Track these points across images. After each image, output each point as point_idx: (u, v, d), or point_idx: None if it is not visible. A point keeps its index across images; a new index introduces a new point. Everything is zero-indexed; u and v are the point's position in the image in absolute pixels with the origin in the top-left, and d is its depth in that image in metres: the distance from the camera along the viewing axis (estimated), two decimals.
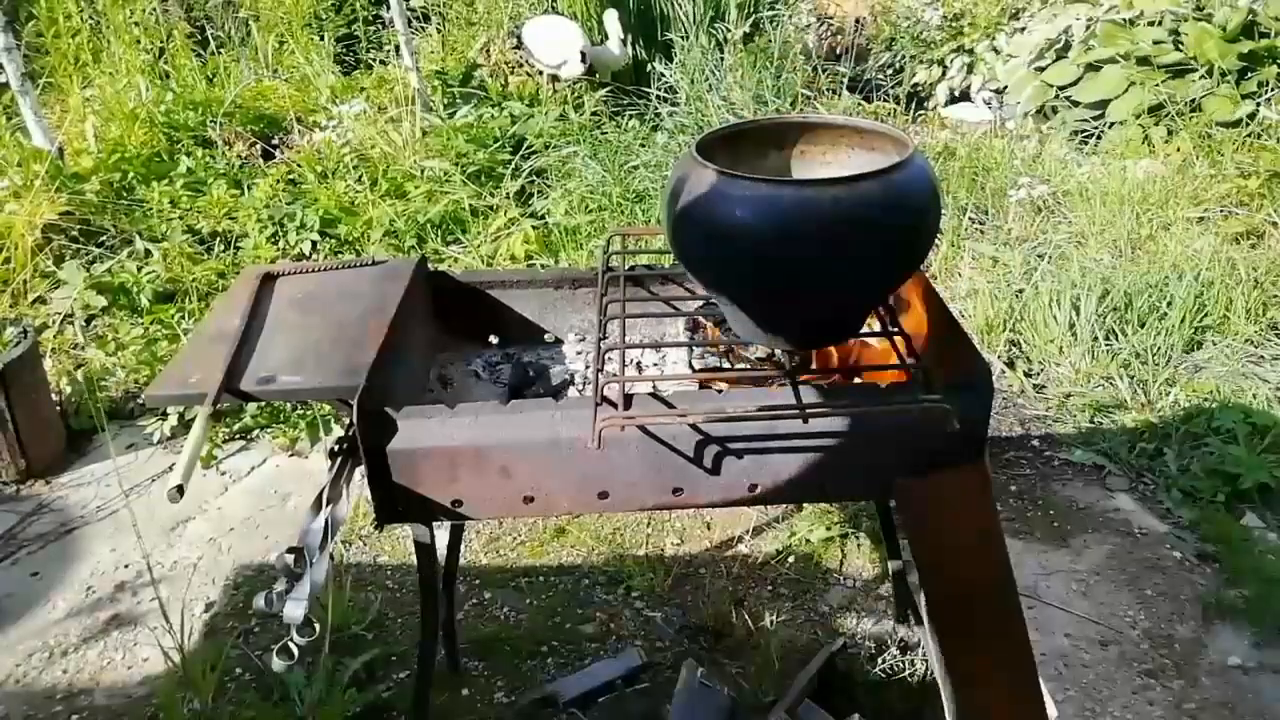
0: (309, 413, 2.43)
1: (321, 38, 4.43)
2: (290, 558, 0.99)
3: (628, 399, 1.06)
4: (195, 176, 3.33)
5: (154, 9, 4.28)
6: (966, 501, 1.13)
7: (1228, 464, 2.12)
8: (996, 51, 4.31)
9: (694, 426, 1.07)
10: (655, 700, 1.63)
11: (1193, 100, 3.58)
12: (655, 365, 1.38)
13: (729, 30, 3.92)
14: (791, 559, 1.97)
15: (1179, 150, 3.45)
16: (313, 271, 1.42)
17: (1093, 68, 3.84)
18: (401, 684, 1.70)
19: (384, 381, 1.13)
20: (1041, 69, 4.02)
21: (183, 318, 2.77)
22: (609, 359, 1.17)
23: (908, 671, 1.65)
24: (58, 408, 2.43)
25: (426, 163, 3.41)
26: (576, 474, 1.10)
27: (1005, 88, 4.18)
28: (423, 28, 4.46)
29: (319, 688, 1.62)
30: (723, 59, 3.86)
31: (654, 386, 1.13)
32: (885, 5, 4.59)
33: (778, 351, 1.18)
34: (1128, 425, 2.32)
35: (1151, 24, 3.89)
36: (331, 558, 1.06)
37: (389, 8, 3.97)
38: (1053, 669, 1.68)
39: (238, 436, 2.44)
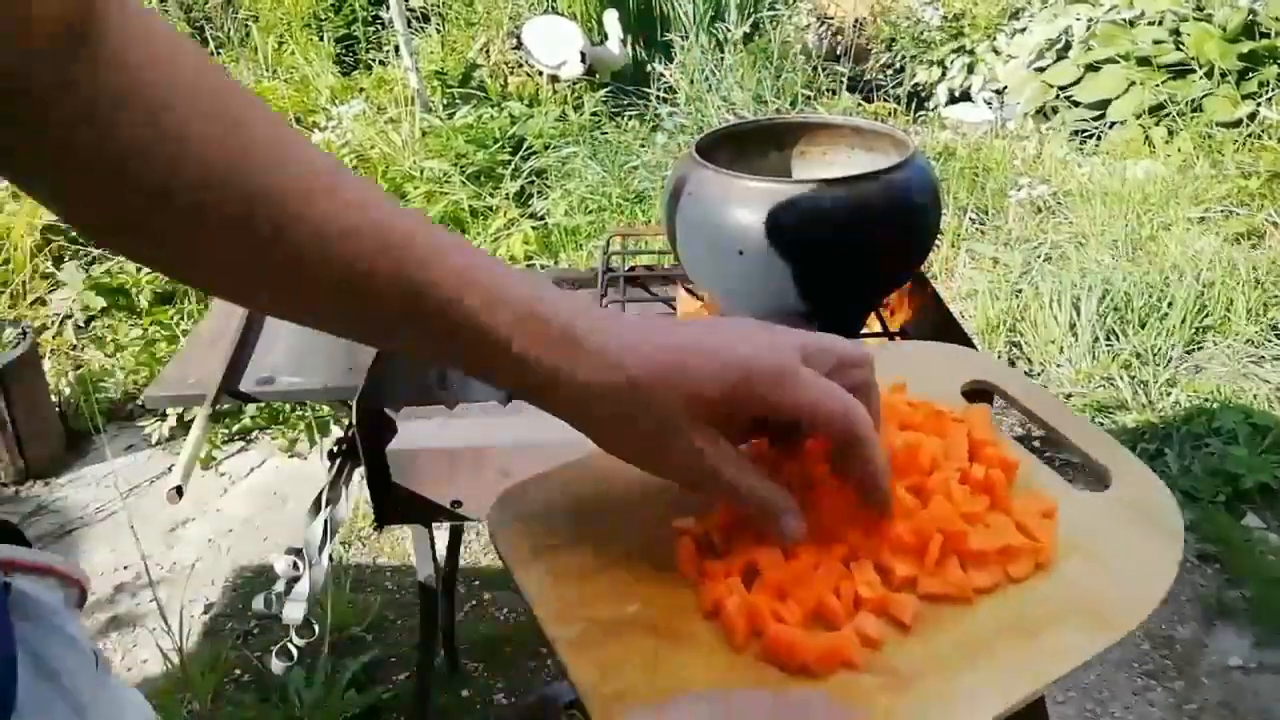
0: (308, 413, 2.43)
1: (321, 38, 4.43)
2: (289, 559, 0.99)
3: None
4: None
5: (153, 9, 4.27)
6: None
7: (1229, 464, 2.12)
8: (996, 52, 4.31)
9: None
10: None
11: (1193, 100, 3.58)
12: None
13: (729, 30, 3.92)
14: None
15: (1179, 150, 3.45)
16: None
17: (1093, 68, 3.84)
18: (401, 685, 1.69)
19: (383, 381, 1.13)
20: (1042, 69, 4.01)
21: (181, 319, 2.77)
22: None
23: None
24: (57, 409, 2.43)
25: (426, 163, 3.41)
26: None
27: (1005, 88, 4.17)
28: (422, 28, 4.46)
29: (318, 689, 1.62)
30: (723, 59, 3.86)
31: None
32: (885, 5, 4.58)
33: None
34: (1129, 426, 2.32)
35: (1152, 24, 3.89)
36: (331, 559, 1.06)
37: (388, 8, 3.96)
38: None
39: (237, 438, 2.44)
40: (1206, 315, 2.64)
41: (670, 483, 0.50)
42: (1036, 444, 2.31)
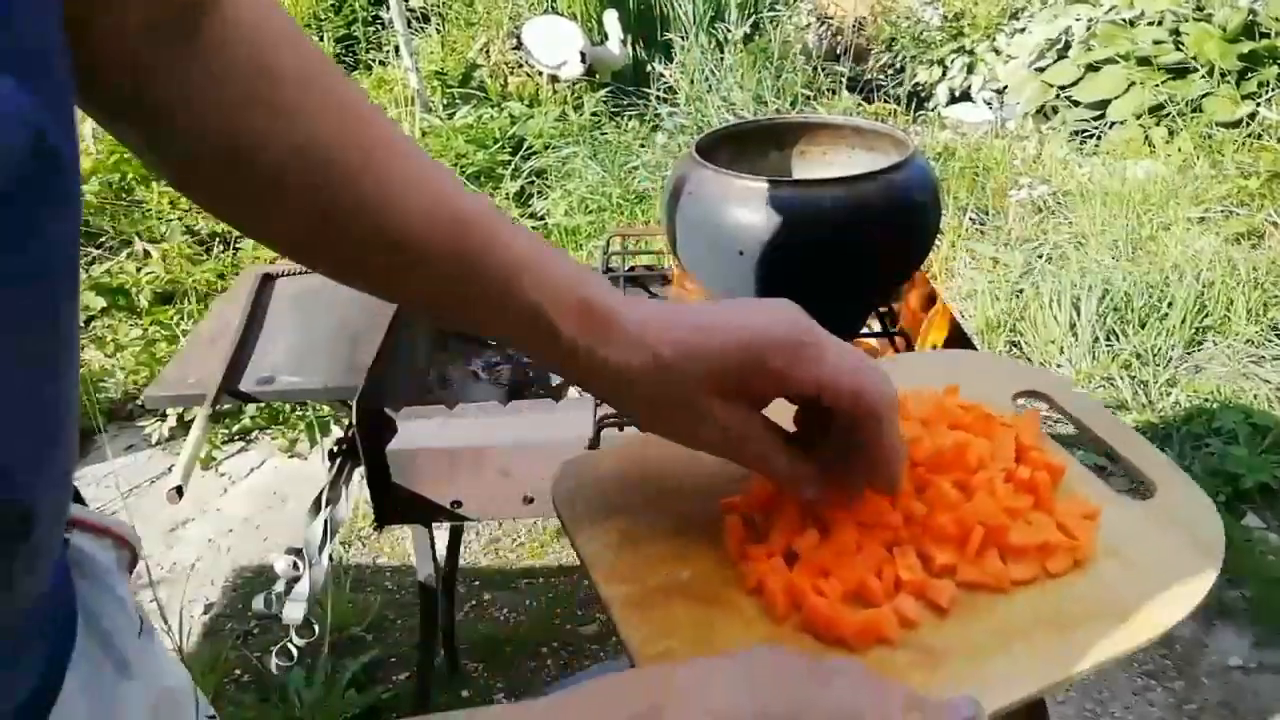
0: (308, 413, 2.43)
1: (321, 38, 4.43)
2: (289, 559, 0.99)
3: None
4: None
5: None
6: None
7: (1229, 464, 2.12)
8: (997, 52, 4.31)
9: None
10: None
11: (1193, 100, 3.58)
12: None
13: (729, 30, 3.92)
14: None
15: (1179, 150, 3.45)
16: (312, 272, 1.41)
17: (1093, 68, 3.84)
18: (401, 685, 1.70)
19: (383, 381, 1.13)
20: (1042, 69, 4.01)
21: (181, 319, 2.77)
22: None
23: None
24: None
25: None
26: None
27: (1005, 88, 4.17)
28: (422, 28, 4.46)
29: (318, 689, 1.62)
30: (723, 59, 3.86)
31: None
32: (885, 5, 4.58)
33: None
34: (1129, 425, 2.32)
35: (1152, 24, 3.89)
36: (331, 559, 1.06)
37: (388, 8, 3.96)
38: None
39: (237, 438, 2.44)
40: (1206, 315, 2.64)
41: (721, 460, 0.52)
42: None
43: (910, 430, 0.55)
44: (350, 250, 0.49)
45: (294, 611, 0.98)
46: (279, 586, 1.00)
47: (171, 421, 2.41)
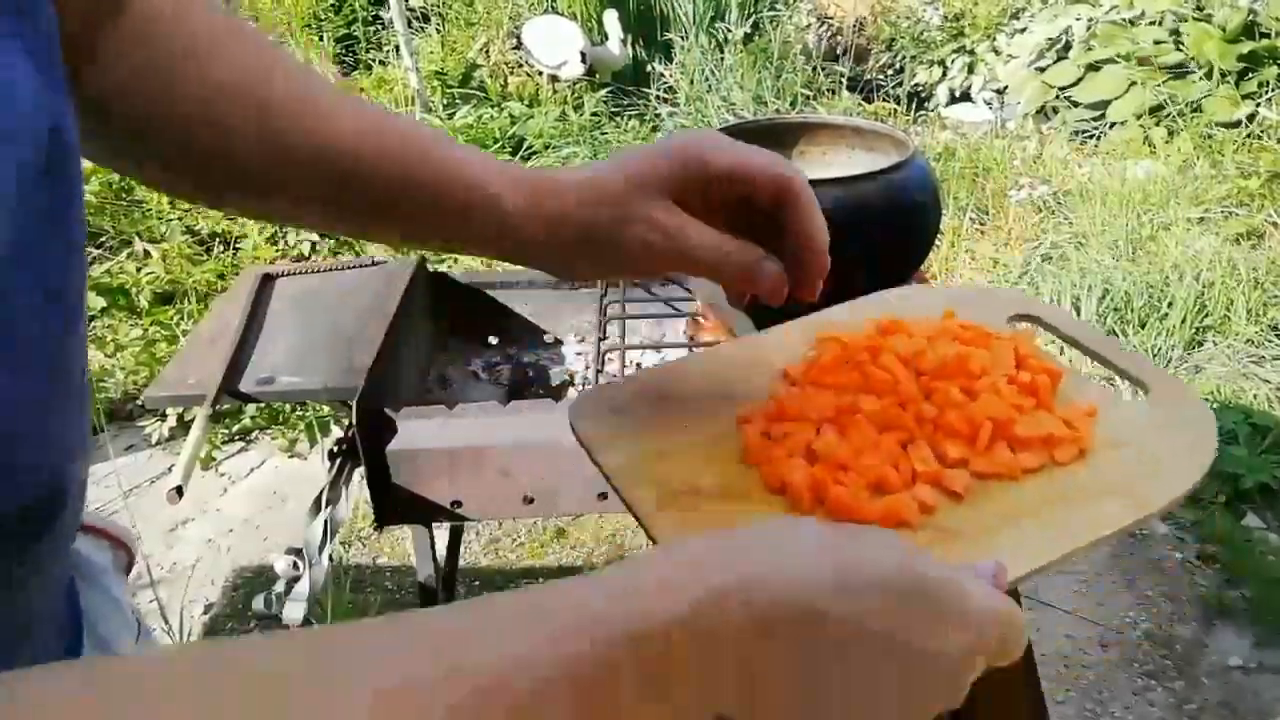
0: (308, 414, 2.43)
1: (321, 38, 4.43)
2: (289, 559, 0.99)
3: None
4: None
5: None
6: None
7: (1229, 464, 2.12)
8: (997, 52, 4.31)
9: None
10: None
11: (1193, 101, 3.58)
12: (655, 366, 1.37)
13: (729, 30, 3.92)
14: None
15: (1179, 150, 3.45)
16: (312, 272, 1.42)
17: (1093, 68, 3.84)
18: None
19: (383, 382, 1.13)
20: (1042, 69, 4.01)
21: (181, 319, 2.77)
22: (609, 359, 1.17)
23: None
24: None
25: None
26: (577, 475, 1.10)
27: (1005, 88, 4.17)
28: (422, 28, 4.46)
29: None
30: (723, 59, 3.86)
31: None
32: (885, 5, 4.58)
33: None
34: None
35: (1152, 24, 3.89)
36: (331, 559, 1.06)
37: (388, 8, 3.96)
38: (1053, 670, 1.68)
39: (237, 438, 2.44)
40: (1206, 315, 2.64)
41: (735, 381, 0.56)
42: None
43: (913, 345, 0.58)
44: (304, 187, 0.50)
45: (294, 611, 0.98)
46: (279, 586, 1.00)
47: (171, 421, 2.41)
